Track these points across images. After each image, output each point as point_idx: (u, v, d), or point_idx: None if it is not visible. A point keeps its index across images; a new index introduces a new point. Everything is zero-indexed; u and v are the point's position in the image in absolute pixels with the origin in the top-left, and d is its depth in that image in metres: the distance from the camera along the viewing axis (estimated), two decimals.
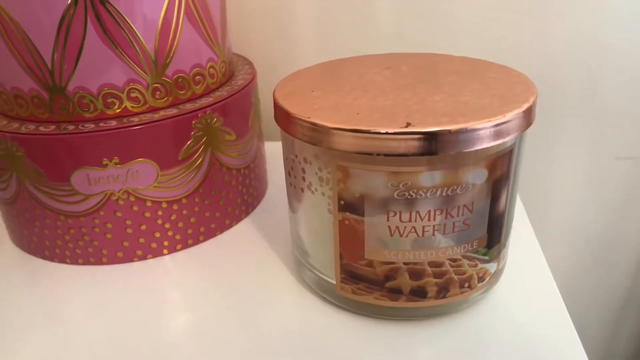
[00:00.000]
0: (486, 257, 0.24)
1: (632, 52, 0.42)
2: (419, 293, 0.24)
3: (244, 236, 0.33)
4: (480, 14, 0.42)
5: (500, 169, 0.22)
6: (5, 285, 0.30)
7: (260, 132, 0.36)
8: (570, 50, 0.43)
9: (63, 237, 0.30)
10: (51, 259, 0.31)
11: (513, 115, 0.21)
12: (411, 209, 0.22)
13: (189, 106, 0.30)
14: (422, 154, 0.20)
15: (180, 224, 0.31)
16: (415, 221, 0.22)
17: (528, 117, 0.22)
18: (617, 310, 0.53)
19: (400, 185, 0.21)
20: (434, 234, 0.22)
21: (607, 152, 0.46)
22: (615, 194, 0.48)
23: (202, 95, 0.32)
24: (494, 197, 0.23)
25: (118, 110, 0.29)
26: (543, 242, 0.32)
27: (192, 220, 0.32)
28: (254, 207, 0.36)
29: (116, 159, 0.28)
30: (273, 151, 0.38)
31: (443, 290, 0.24)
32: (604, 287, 0.52)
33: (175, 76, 0.30)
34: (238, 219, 0.34)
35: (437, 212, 0.22)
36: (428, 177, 0.21)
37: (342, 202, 0.23)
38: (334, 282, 0.25)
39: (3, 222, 0.33)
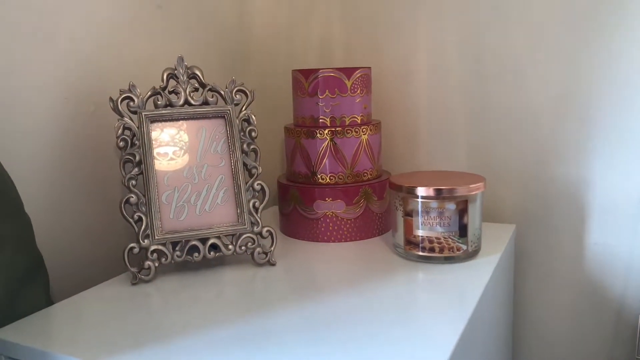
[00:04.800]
0: (459, 240, 0.64)
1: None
2: (432, 250, 0.64)
3: (377, 240, 0.76)
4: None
5: (461, 205, 0.63)
6: (296, 245, 0.77)
7: (389, 200, 0.80)
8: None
9: (308, 229, 0.77)
10: (301, 239, 0.78)
11: (464, 187, 0.62)
12: (428, 216, 0.63)
13: (361, 184, 0.76)
14: (433, 197, 0.63)
15: (352, 230, 0.76)
16: (430, 220, 0.63)
17: (472, 190, 0.63)
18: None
19: (424, 207, 0.63)
20: (436, 226, 0.63)
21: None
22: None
23: (367, 181, 0.77)
24: (460, 215, 0.63)
25: (334, 182, 0.76)
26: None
27: (356, 229, 0.76)
28: (384, 231, 0.79)
29: (330, 198, 0.75)
30: None
31: (441, 250, 0.64)
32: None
33: (356, 172, 0.76)
34: (376, 234, 0.78)
35: (437, 217, 0.63)
36: (434, 204, 0.63)
37: (405, 212, 0.65)
38: (403, 246, 0.67)
39: (279, 223, 0.82)
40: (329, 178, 0.76)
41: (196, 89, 0.69)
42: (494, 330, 0.67)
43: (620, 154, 0.76)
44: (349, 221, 0.75)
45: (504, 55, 0.81)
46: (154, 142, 0.66)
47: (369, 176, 0.78)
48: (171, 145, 0.67)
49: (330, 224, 0.75)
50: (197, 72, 0.69)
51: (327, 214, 0.75)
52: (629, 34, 0.73)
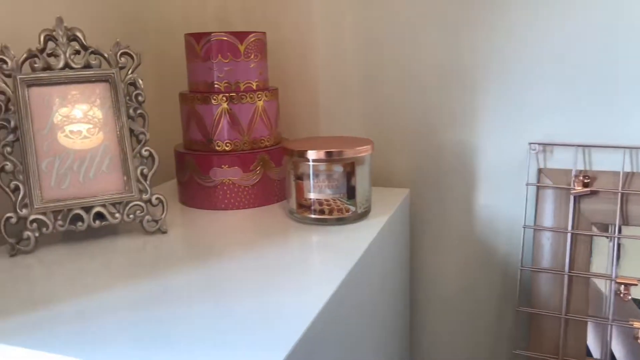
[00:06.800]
0: (348, 202, 0.65)
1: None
2: (322, 212, 0.65)
3: (276, 207, 0.76)
4: None
5: (348, 168, 0.64)
6: (193, 214, 0.75)
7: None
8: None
9: (205, 197, 0.76)
10: (200, 208, 0.77)
11: (352, 150, 0.64)
12: (318, 178, 0.64)
13: (258, 151, 0.76)
14: (324, 160, 0.63)
15: (249, 197, 0.75)
16: (319, 183, 0.64)
17: (359, 152, 0.64)
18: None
19: (314, 170, 0.64)
20: (325, 188, 0.64)
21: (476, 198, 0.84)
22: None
23: (264, 148, 0.77)
24: (347, 178, 0.64)
25: (230, 149, 0.75)
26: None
27: (254, 196, 0.76)
28: (283, 198, 0.79)
29: (226, 165, 0.74)
30: None
31: (331, 212, 0.65)
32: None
33: (253, 138, 0.76)
34: (275, 201, 0.78)
35: (326, 180, 0.64)
36: (322, 167, 0.64)
37: (296, 176, 0.66)
38: (296, 210, 0.67)
39: (177, 193, 0.80)
40: (225, 145, 0.75)
41: (77, 52, 0.66)
42: (382, 284, 0.70)
43: (501, 120, 0.80)
44: (246, 188, 0.75)
45: (396, 25, 0.83)
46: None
47: (266, 143, 0.78)
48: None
49: (228, 192, 0.75)
50: (78, 34, 0.65)
51: (224, 181, 0.75)
52: (509, 10, 0.77)
